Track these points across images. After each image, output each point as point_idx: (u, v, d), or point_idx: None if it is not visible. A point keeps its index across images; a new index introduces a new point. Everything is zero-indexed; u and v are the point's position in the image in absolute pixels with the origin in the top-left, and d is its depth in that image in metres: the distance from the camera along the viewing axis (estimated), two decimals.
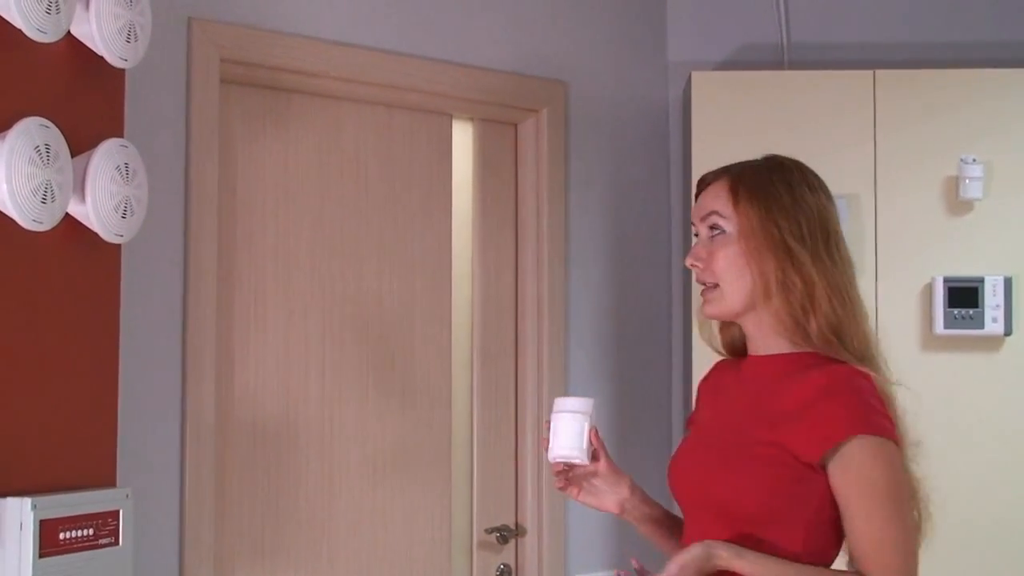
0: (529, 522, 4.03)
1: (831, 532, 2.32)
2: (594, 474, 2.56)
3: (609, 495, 2.56)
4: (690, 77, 4.14)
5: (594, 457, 2.55)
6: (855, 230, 3.97)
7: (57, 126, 2.54)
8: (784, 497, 2.28)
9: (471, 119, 4.06)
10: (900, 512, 2.27)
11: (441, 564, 3.87)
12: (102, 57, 2.70)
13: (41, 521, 2.49)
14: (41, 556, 2.48)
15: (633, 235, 4.36)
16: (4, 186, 2.43)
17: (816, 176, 2.43)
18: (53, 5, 2.52)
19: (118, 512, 2.69)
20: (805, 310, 2.31)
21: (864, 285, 3.92)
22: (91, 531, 2.61)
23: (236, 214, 3.48)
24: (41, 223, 2.50)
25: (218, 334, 3.37)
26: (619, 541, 4.25)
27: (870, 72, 4.07)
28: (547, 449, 2.53)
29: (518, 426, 4.07)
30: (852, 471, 2.26)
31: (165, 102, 3.28)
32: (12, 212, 2.45)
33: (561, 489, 2.57)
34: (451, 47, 3.89)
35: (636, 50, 4.42)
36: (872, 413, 2.28)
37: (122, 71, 2.82)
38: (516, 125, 4.14)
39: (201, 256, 3.31)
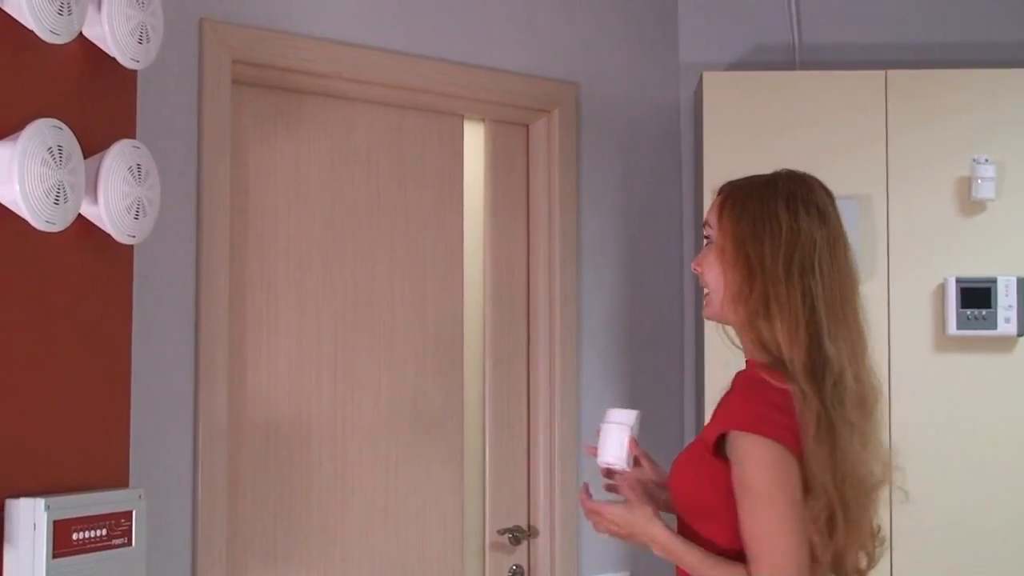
0: (541, 523, 4.03)
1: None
2: (646, 480, 2.73)
3: (661, 499, 2.69)
4: (702, 78, 4.14)
5: (636, 463, 2.73)
6: (867, 231, 3.97)
7: (70, 127, 2.54)
8: (706, 491, 2.42)
9: (483, 120, 4.06)
10: (774, 509, 2.32)
11: (454, 565, 3.87)
12: (114, 58, 2.70)
13: (55, 522, 2.49)
14: (55, 556, 2.48)
15: (645, 235, 4.36)
16: (17, 187, 2.43)
17: (817, 198, 2.48)
18: (65, 6, 2.52)
19: (131, 513, 2.69)
20: (760, 324, 2.40)
21: (876, 286, 3.95)
22: (104, 532, 2.62)
23: (248, 215, 3.48)
24: (54, 224, 2.50)
25: (230, 335, 3.38)
26: (630, 547, 4.24)
27: (882, 72, 4.07)
28: (595, 456, 2.75)
29: (530, 427, 4.07)
30: (735, 466, 2.36)
31: (177, 103, 3.28)
32: (25, 213, 2.46)
33: (609, 490, 2.74)
34: (462, 48, 3.89)
35: (648, 51, 4.42)
36: (759, 413, 2.36)
37: (134, 72, 2.82)
38: (528, 126, 4.14)
39: (213, 257, 3.32)
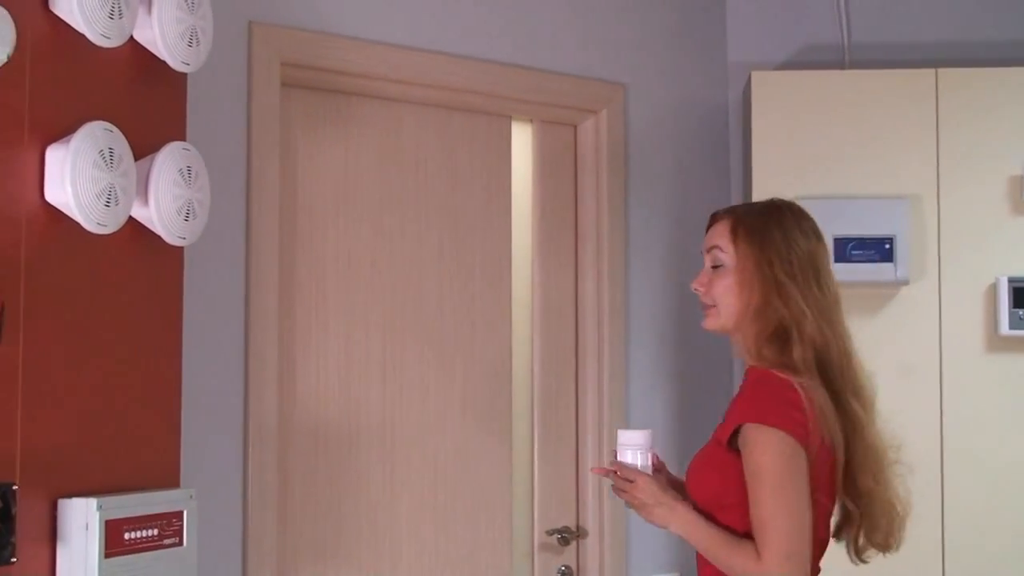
0: (590, 524, 4.02)
1: None
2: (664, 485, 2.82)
3: (654, 510, 2.78)
4: (750, 77, 4.12)
5: (656, 470, 2.88)
6: (917, 230, 3.94)
7: (121, 130, 2.56)
8: (722, 483, 2.64)
9: (530, 121, 4.06)
10: (783, 497, 2.55)
11: (502, 565, 3.87)
12: (164, 61, 2.72)
13: (106, 521, 2.50)
14: (106, 556, 2.50)
15: (693, 236, 4.31)
16: (69, 190, 2.45)
17: (809, 221, 2.79)
18: (116, 10, 2.54)
19: (182, 513, 2.71)
20: (788, 334, 2.67)
21: (926, 286, 3.92)
22: (155, 531, 2.63)
23: (297, 217, 3.50)
24: (105, 226, 2.52)
25: (280, 336, 3.39)
26: (680, 543, 4.23)
27: (932, 71, 4.04)
28: (602, 475, 2.97)
29: (579, 428, 4.07)
30: (746, 456, 2.59)
31: (226, 105, 3.30)
32: (77, 215, 2.48)
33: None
34: (510, 49, 3.89)
35: (695, 50, 4.41)
36: (770, 407, 2.60)
37: (184, 75, 2.84)
38: (575, 126, 4.14)
39: (262, 259, 3.33)
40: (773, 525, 2.54)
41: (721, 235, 2.80)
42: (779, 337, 2.69)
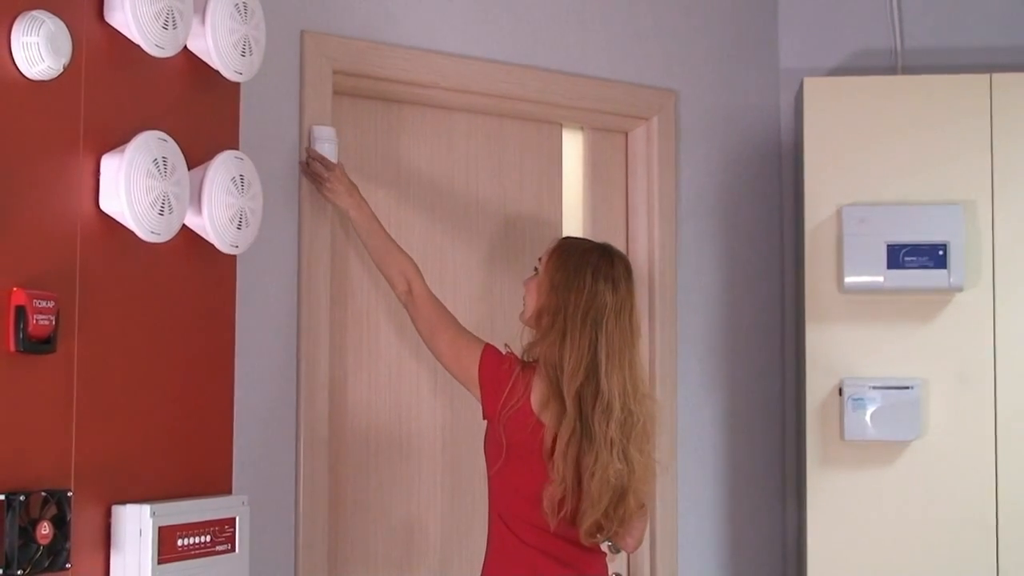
0: None
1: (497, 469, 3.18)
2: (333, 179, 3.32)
3: (344, 196, 3.30)
4: (802, 83, 4.10)
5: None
6: (971, 237, 3.91)
7: (174, 139, 2.58)
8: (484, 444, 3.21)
9: (581, 128, 4.06)
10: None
11: None
12: (218, 71, 2.74)
13: (160, 528, 2.52)
14: (160, 562, 2.52)
15: (744, 242, 4.33)
16: (124, 198, 2.47)
17: (616, 272, 3.17)
18: (170, 21, 2.56)
19: (234, 519, 2.73)
20: (552, 350, 3.12)
21: (980, 293, 3.90)
22: (208, 538, 2.65)
23: (348, 225, 3.51)
24: (159, 235, 2.54)
25: (331, 344, 3.40)
26: (732, 553, 4.22)
27: (986, 76, 4.00)
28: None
29: None
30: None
31: (279, 114, 3.32)
32: (131, 224, 2.50)
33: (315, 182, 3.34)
34: (561, 57, 3.89)
35: (747, 56, 4.39)
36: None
37: (237, 84, 2.86)
38: (626, 134, 4.13)
39: (314, 266, 3.35)
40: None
41: (546, 250, 3.25)
42: (538, 336, 3.18)
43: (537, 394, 3.10)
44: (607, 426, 3.06)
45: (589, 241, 3.30)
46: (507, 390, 3.13)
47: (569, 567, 3.15)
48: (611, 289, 3.15)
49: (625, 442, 3.09)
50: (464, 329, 3.29)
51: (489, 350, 3.21)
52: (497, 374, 3.16)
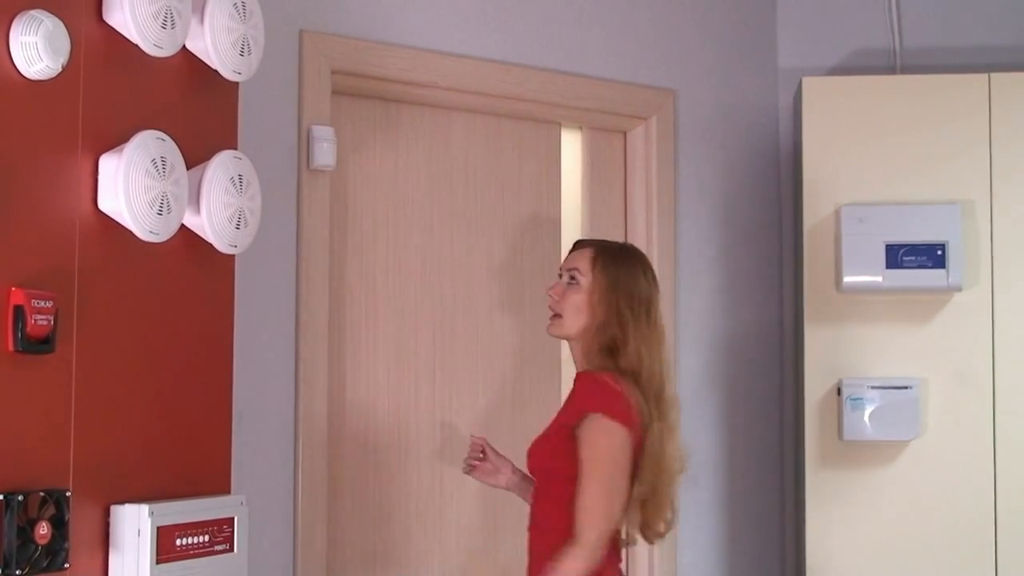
0: None
1: None
2: (484, 460, 3.42)
3: (499, 475, 3.37)
4: (801, 83, 4.10)
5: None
6: (969, 236, 3.91)
7: (173, 139, 2.58)
8: (558, 462, 3.08)
9: (580, 127, 4.06)
10: (608, 482, 3.04)
11: None
12: (216, 71, 2.74)
13: (158, 528, 2.52)
14: (158, 562, 2.52)
15: (743, 242, 4.33)
16: (122, 198, 2.47)
17: (651, 270, 3.28)
18: (169, 21, 2.56)
19: (233, 519, 2.72)
20: (617, 350, 3.13)
21: (979, 293, 3.89)
22: (207, 537, 2.65)
23: (347, 224, 3.51)
24: (157, 234, 2.54)
25: (330, 344, 3.40)
26: (731, 552, 4.22)
27: (985, 75, 4.00)
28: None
29: None
30: (584, 440, 3.05)
31: (278, 114, 3.32)
32: (129, 224, 2.50)
33: (468, 472, 3.39)
34: (560, 56, 3.89)
35: (746, 56, 4.39)
36: (608, 399, 3.07)
37: (235, 84, 2.86)
38: (625, 133, 4.13)
39: (313, 266, 3.35)
40: (594, 508, 3.02)
41: (579, 258, 3.22)
42: (610, 350, 3.14)
43: (637, 403, 3.11)
44: (675, 415, 3.19)
45: (615, 241, 3.40)
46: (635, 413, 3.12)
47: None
48: (655, 284, 3.28)
49: (676, 429, 3.20)
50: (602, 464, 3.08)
51: (619, 411, 3.07)
52: (631, 415, 3.09)
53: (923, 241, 3.87)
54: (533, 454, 3.21)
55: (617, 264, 3.22)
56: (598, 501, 3.03)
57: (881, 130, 4.01)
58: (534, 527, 3.19)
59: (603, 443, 3.05)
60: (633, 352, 3.13)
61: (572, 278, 3.20)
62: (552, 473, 3.13)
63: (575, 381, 3.22)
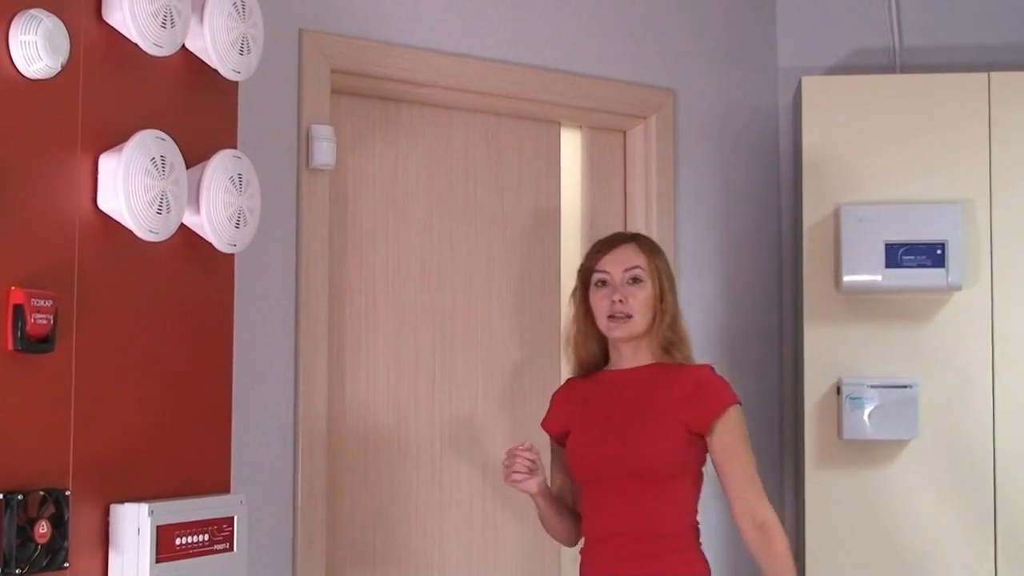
0: None
1: (700, 484, 3.24)
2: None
3: (532, 482, 3.23)
4: (800, 82, 4.10)
5: None
6: (970, 236, 3.91)
7: (172, 138, 2.58)
8: (685, 457, 3.14)
9: (579, 127, 4.06)
10: (753, 467, 3.19)
11: (551, 573, 3.87)
12: (216, 70, 2.74)
13: (158, 527, 2.52)
14: (158, 561, 2.52)
15: (743, 241, 4.33)
16: (122, 197, 2.47)
17: None
18: (168, 20, 2.56)
19: (233, 518, 2.72)
20: (679, 336, 3.25)
21: (979, 292, 3.90)
22: (206, 537, 2.65)
23: (346, 223, 3.51)
24: (157, 233, 2.54)
25: (330, 343, 3.40)
26: (729, 552, 4.22)
27: (985, 75, 4.00)
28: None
29: None
30: (733, 429, 3.16)
31: (277, 113, 3.32)
32: (129, 223, 2.50)
33: (517, 481, 3.24)
34: (559, 56, 3.89)
35: (746, 56, 4.39)
36: (731, 389, 3.22)
37: (235, 83, 2.86)
38: (624, 132, 4.13)
39: (312, 265, 3.35)
40: (756, 478, 3.17)
41: (634, 254, 3.23)
42: (684, 339, 3.26)
43: None
44: None
45: (633, 231, 3.53)
46: None
47: None
48: None
49: None
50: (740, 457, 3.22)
51: (735, 401, 3.22)
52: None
53: (923, 240, 3.87)
54: (646, 454, 3.14)
55: (661, 253, 3.30)
56: (759, 484, 3.16)
57: (881, 129, 4.01)
58: (637, 528, 3.15)
59: (745, 432, 3.18)
60: (685, 338, 3.27)
61: (635, 278, 3.21)
62: (674, 470, 3.14)
63: (679, 375, 3.22)
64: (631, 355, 3.25)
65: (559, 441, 3.34)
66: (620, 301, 3.19)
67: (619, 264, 3.23)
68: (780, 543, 3.13)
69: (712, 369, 3.28)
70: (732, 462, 3.16)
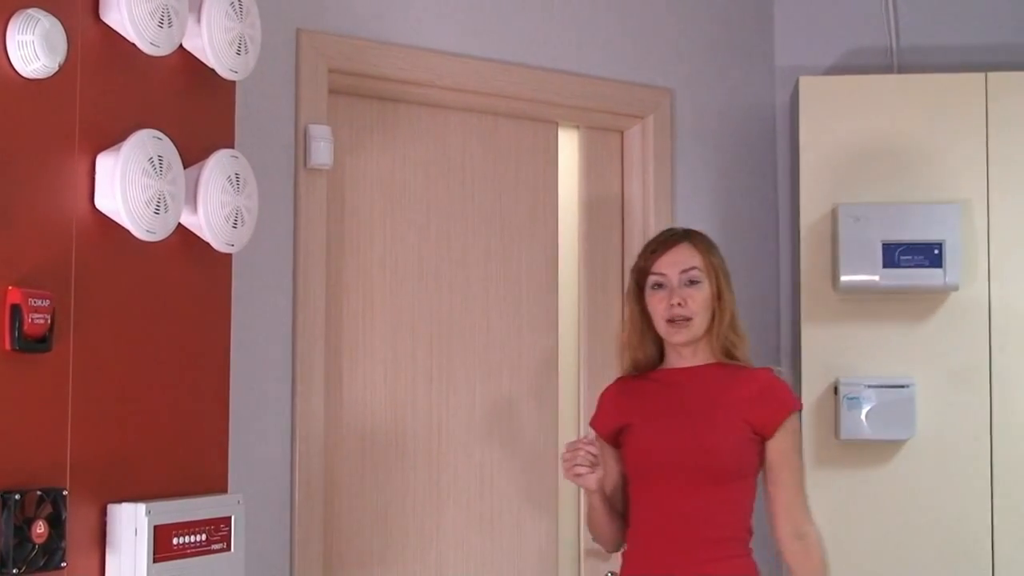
0: None
1: (756, 490, 3.18)
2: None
3: (592, 477, 3.17)
4: (798, 82, 4.11)
5: None
6: (967, 235, 3.91)
7: (170, 138, 2.58)
8: (749, 459, 3.12)
9: (577, 127, 4.06)
10: (803, 477, 3.21)
11: (549, 572, 3.87)
12: (213, 69, 2.74)
13: (155, 527, 2.52)
14: (155, 561, 2.52)
15: (740, 241, 4.32)
16: (119, 197, 2.47)
17: None
18: (166, 19, 2.56)
19: (230, 518, 2.72)
20: (740, 336, 3.24)
21: (977, 291, 3.90)
22: (204, 537, 2.65)
23: (344, 224, 3.51)
24: (154, 233, 2.54)
25: (327, 343, 3.40)
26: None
27: (982, 75, 4.01)
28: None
29: None
30: (792, 436, 3.16)
31: (275, 113, 3.32)
32: (126, 223, 2.50)
33: (579, 475, 3.18)
34: (556, 55, 3.89)
35: (743, 55, 4.39)
36: (795, 395, 3.25)
37: (232, 83, 2.86)
38: (622, 132, 4.13)
39: (310, 265, 3.35)
40: (802, 489, 3.17)
41: (690, 254, 3.19)
42: (743, 338, 3.24)
43: None
44: None
45: (686, 228, 3.37)
46: None
47: None
48: None
49: None
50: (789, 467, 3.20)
51: (799, 407, 3.24)
52: None
53: (920, 240, 3.87)
54: (712, 449, 3.11)
55: (716, 248, 3.25)
56: (805, 496, 3.15)
57: (878, 129, 4.01)
58: (691, 529, 3.11)
59: (801, 441, 3.20)
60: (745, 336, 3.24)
61: (692, 279, 3.18)
62: (736, 470, 3.11)
63: (743, 377, 3.20)
64: (691, 355, 3.22)
65: (610, 440, 3.30)
66: (679, 304, 3.15)
67: (675, 265, 3.19)
68: (818, 557, 3.11)
69: (774, 372, 3.26)
70: (784, 468, 3.13)
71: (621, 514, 3.29)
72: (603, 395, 3.38)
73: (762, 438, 3.12)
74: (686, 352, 3.22)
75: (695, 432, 3.11)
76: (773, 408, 3.14)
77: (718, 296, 3.18)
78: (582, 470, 3.14)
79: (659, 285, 3.19)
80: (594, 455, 3.14)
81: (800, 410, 3.18)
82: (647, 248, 3.28)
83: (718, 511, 3.09)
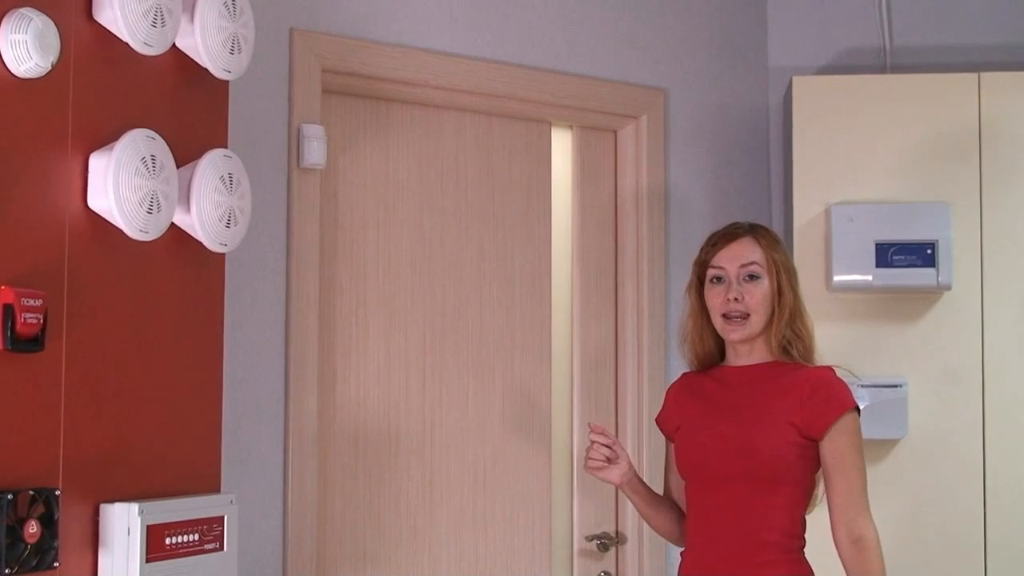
0: (629, 529, 4.02)
1: (812, 494, 3.10)
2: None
3: (614, 470, 3.18)
4: (791, 82, 4.11)
5: None
6: (960, 236, 3.91)
7: (163, 137, 2.58)
8: (795, 462, 3.01)
9: (570, 126, 4.06)
10: (864, 478, 3.06)
11: (542, 572, 3.87)
12: (206, 69, 2.74)
13: (148, 526, 2.52)
14: (148, 561, 2.52)
15: None
16: (112, 197, 2.47)
17: None
18: (159, 19, 2.56)
19: (223, 518, 2.73)
20: (797, 333, 3.13)
21: (969, 292, 3.90)
22: (196, 536, 2.65)
23: (337, 223, 3.51)
24: (147, 233, 2.54)
25: (320, 342, 3.41)
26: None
27: (974, 75, 4.01)
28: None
29: (618, 433, 4.06)
30: (847, 436, 3.03)
31: (268, 112, 3.32)
32: (119, 222, 2.50)
33: (594, 469, 3.19)
34: (550, 55, 3.89)
35: (736, 55, 4.40)
36: (852, 395, 3.10)
37: (226, 82, 2.86)
38: (615, 132, 4.14)
39: (303, 265, 3.35)
40: (865, 489, 3.04)
41: (752, 249, 3.13)
42: (801, 336, 3.13)
43: None
44: None
45: (750, 223, 3.28)
46: None
47: None
48: None
49: None
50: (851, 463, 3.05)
51: (854, 406, 3.09)
52: None
53: (913, 240, 3.87)
54: (754, 455, 3.03)
55: (780, 244, 3.18)
56: (866, 498, 3.03)
57: (871, 129, 4.01)
58: (741, 533, 3.04)
59: (860, 441, 3.05)
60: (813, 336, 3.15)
61: (752, 275, 3.10)
62: (782, 475, 3.02)
63: (797, 376, 3.08)
64: (747, 353, 3.14)
65: (672, 438, 3.26)
66: (736, 299, 3.09)
67: (735, 260, 3.12)
68: (875, 562, 3.02)
69: (833, 371, 3.13)
70: (841, 470, 3.01)
71: (678, 508, 3.26)
72: (667, 392, 3.34)
73: (812, 440, 3.02)
74: (743, 350, 3.14)
75: (740, 436, 3.04)
76: (822, 409, 3.02)
77: (778, 293, 3.10)
78: (595, 464, 3.14)
79: (718, 279, 3.13)
80: (608, 447, 3.14)
81: (856, 409, 3.05)
82: (709, 241, 3.21)
83: (766, 515, 3.01)
